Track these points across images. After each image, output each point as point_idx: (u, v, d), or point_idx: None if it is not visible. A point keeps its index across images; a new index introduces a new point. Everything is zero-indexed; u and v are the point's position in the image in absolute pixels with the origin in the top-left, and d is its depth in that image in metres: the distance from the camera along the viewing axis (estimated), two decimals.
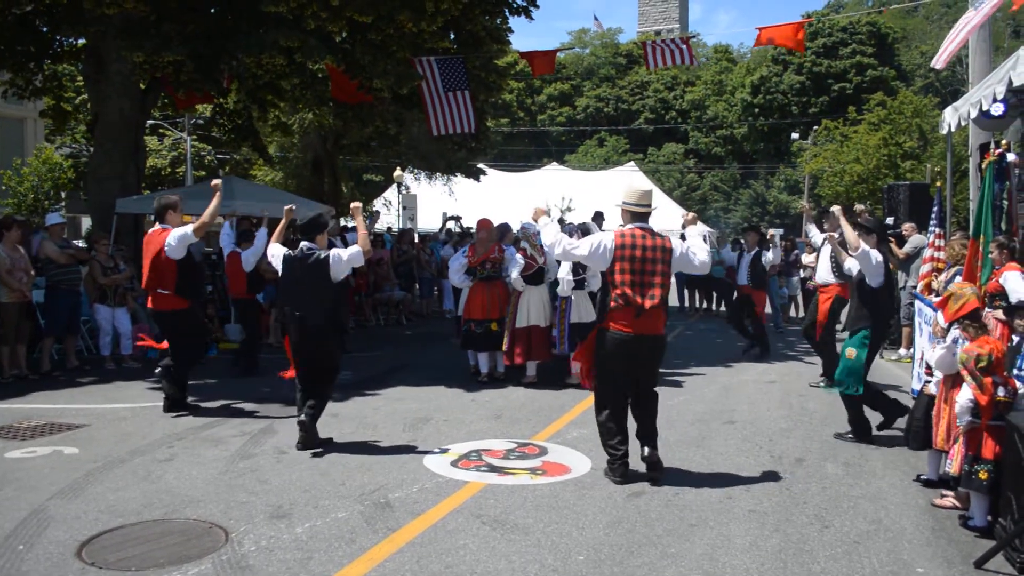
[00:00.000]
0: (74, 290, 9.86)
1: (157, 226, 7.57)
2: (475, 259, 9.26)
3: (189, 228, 7.27)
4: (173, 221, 7.48)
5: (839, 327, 9.14)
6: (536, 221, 6.07)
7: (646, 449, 5.64)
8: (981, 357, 4.65)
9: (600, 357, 5.66)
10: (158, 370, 7.67)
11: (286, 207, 7.12)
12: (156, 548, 4.35)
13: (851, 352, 6.60)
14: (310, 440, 6.26)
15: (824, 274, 9.04)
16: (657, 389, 5.82)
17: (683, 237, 5.94)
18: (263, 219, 10.36)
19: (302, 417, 6.25)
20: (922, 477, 5.62)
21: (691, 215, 6.21)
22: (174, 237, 7.24)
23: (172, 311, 7.48)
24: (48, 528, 4.62)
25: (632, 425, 5.74)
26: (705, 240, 6.08)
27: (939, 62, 10.47)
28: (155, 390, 8.56)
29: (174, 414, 7.47)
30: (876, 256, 6.61)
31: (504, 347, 9.01)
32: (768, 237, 11.19)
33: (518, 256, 8.97)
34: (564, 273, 8.79)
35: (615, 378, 5.65)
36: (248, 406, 7.94)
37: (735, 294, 12.26)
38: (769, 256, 11.13)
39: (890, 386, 9.24)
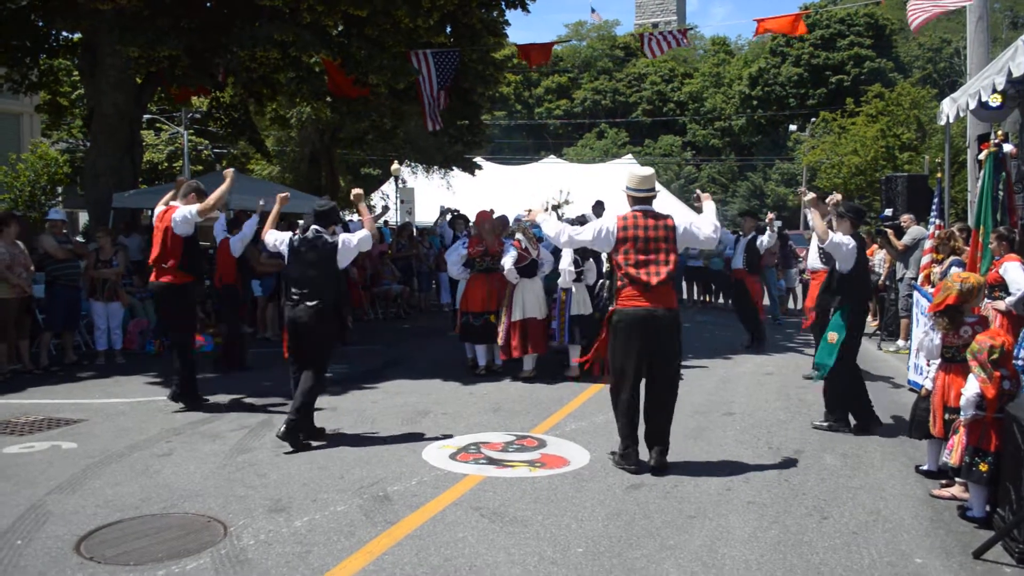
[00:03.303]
0: (73, 285, 9.85)
1: (171, 203, 7.65)
2: (477, 250, 9.25)
3: (194, 207, 7.39)
4: (190, 203, 7.55)
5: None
6: (535, 220, 6.15)
7: (654, 455, 5.60)
8: (994, 349, 4.62)
9: (615, 340, 5.67)
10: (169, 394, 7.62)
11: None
12: (155, 542, 4.35)
13: (832, 336, 6.67)
14: (294, 438, 6.12)
15: (814, 260, 9.10)
16: (678, 382, 5.76)
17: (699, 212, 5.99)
18: (257, 209, 10.35)
19: (286, 420, 6.20)
20: (921, 468, 5.62)
21: (703, 194, 6.10)
22: (179, 214, 7.42)
23: (174, 284, 7.50)
24: (46, 523, 4.61)
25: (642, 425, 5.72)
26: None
27: (913, 24, 10.42)
28: (154, 385, 8.58)
29: (180, 408, 7.47)
30: (847, 243, 6.63)
31: (500, 341, 8.98)
32: (768, 221, 11.13)
33: (512, 247, 8.96)
34: (566, 264, 8.79)
35: (631, 361, 5.60)
36: (246, 400, 7.93)
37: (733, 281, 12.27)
38: (764, 240, 11.06)
39: (886, 377, 9.27)
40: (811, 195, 7.06)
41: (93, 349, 10.27)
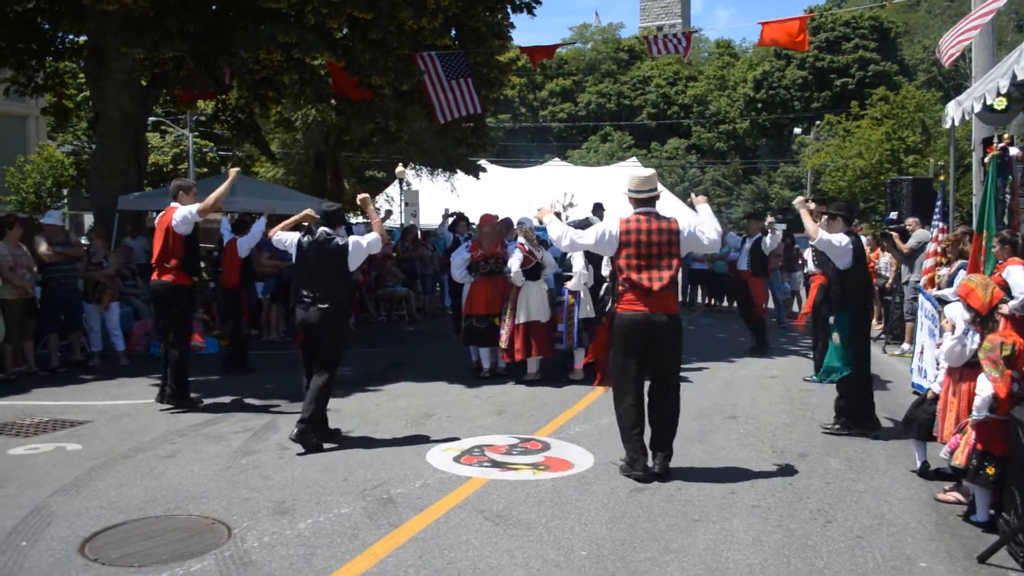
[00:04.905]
0: (71, 287, 9.83)
1: (171, 205, 7.73)
2: (478, 254, 9.27)
3: (194, 207, 7.48)
4: (183, 202, 7.64)
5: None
6: (541, 220, 6.11)
7: (658, 461, 5.56)
8: (1006, 346, 4.59)
9: (615, 344, 5.67)
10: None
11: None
12: (159, 544, 4.36)
13: (836, 338, 6.68)
14: (307, 439, 6.15)
15: (812, 263, 9.14)
16: (679, 386, 5.73)
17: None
18: (265, 211, 10.37)
19: (298, 422, 6.23)
20: (915, 470, 5.60)
21: (700, 197, 6.20)
22: (179, 215, 7.50)
23: (174, 284, 7.56)
24: (51, 525, 4.63)
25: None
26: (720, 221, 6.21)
27: (946, 60, 10.41)
28: (158, 387, 8.55)
29: (168, 408, 7.50)
30: (838, 240, 6.61)
31: (503, 344, 8.98)
32: (768, 223, 11.34)
33: (517, 250, 8.97)
34: (579, 267, 8.85)
35: (631, 365, 5.59)
36: (250, 402, 7.94)
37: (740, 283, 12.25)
38: (768, 241, 11.20)
39: (889, 380, 9.25)
40: (800, 198, 7.10)
41: (89, 351, 10.26)
